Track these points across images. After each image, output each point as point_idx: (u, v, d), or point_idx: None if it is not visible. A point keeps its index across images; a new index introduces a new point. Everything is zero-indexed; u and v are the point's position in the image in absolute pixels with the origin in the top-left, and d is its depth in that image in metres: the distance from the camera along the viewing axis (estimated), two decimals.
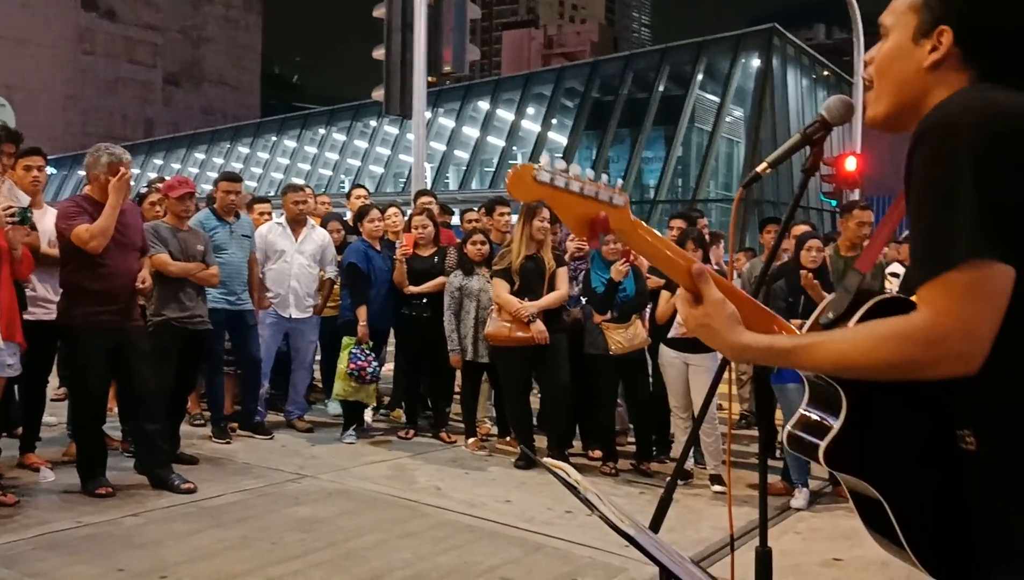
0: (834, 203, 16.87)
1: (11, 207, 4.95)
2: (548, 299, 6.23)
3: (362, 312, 6.84)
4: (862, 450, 1.47)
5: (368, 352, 6.81)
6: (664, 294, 6.04)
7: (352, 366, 6.72)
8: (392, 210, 7.60)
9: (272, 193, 29.24)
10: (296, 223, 7.35)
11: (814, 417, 1.56)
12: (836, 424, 1.47)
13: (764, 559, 2.59)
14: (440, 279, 6.88)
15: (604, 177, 1.54)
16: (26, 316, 5.27)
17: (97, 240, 5.13)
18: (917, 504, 1.44)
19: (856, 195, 15.93)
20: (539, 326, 6.13)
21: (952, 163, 1.26)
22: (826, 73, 35.80)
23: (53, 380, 6.08)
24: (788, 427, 1.60)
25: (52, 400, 6.53)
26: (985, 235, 1.24)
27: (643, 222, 1.56)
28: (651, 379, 6.40)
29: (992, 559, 1.35)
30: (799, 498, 5.50)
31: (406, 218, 7.67)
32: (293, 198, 7.38)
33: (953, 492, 1.41)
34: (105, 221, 5.15)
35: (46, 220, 5.53)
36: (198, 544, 4.51)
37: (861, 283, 1.59)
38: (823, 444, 1.48)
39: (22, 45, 61.30)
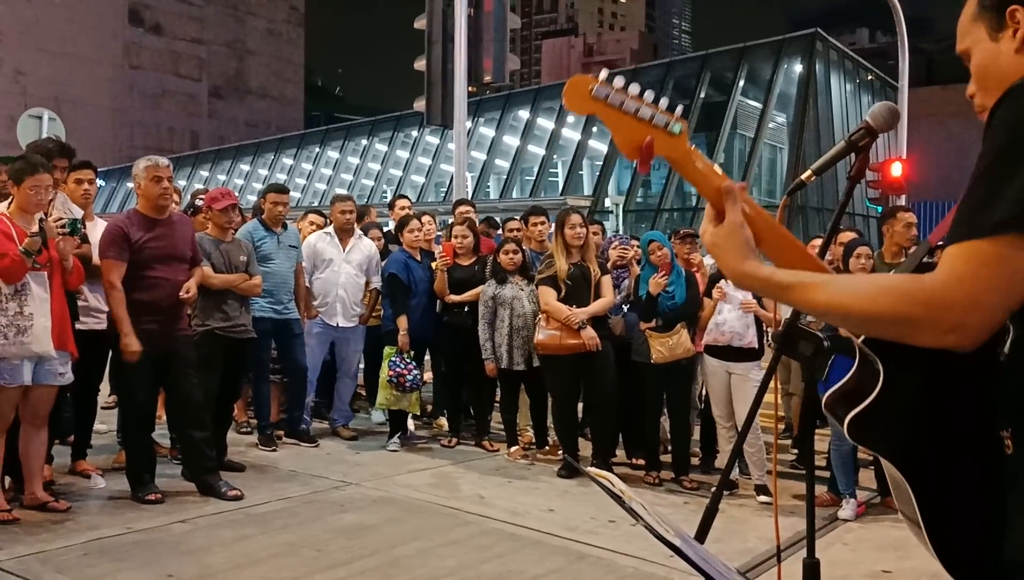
0: (879, 209, 16.67)
1: (61, 219, 5.07)
2: (597, 305, 6.23)
3: (402, 321, 6.89)
4: (891, 429, 1.44)
5: (408, 361, 6.85)
6: (708, 300, 6.01)
7: (392, 373, 6.77)
8: (426, 218, 7.64)
9: (316, 203, 29.52)
10: (344, 232, 7.42)
11: (853, 388, 1.53)
12: (868, 397, 1.45)
13: (812, 570, 2.56)
14: (480, 288, 6.91)
15: (664, 101, 1.48)
16: (78, 326, 5.38)
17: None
18: (945, 496, 1.40)
19: (902, 201, 15.74)
20: (590, 332, 6.14)
21: (1022, 129, 1.21)
22: (870, 77, 35.37)
23: (104, 388, 6.19)
24: (828, 393, 1.58)
25: (103, 408, 6.64)
26: None
27: (699, 151, 1.50)
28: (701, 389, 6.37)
29: (1017, 571, 1.29)
30: (846, 509, 5.42)
31: (445, 227, 7.72)
32: (341, 208, 7.45)
33: (987, 493, 1.36)
34: (113, 306, 5.30)
35: (96, 232, 5.63)
36: (245, 551, 4.56)
37: (926, 254, 1.56)
38: (850, 415, 1.46)
39: (71, 60, 62.62)
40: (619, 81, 1.45)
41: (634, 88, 1.47)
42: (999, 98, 1.27)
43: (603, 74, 1.46)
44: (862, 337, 1.47)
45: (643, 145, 1.47)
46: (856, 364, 1.55)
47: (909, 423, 1.44)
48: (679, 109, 1.49)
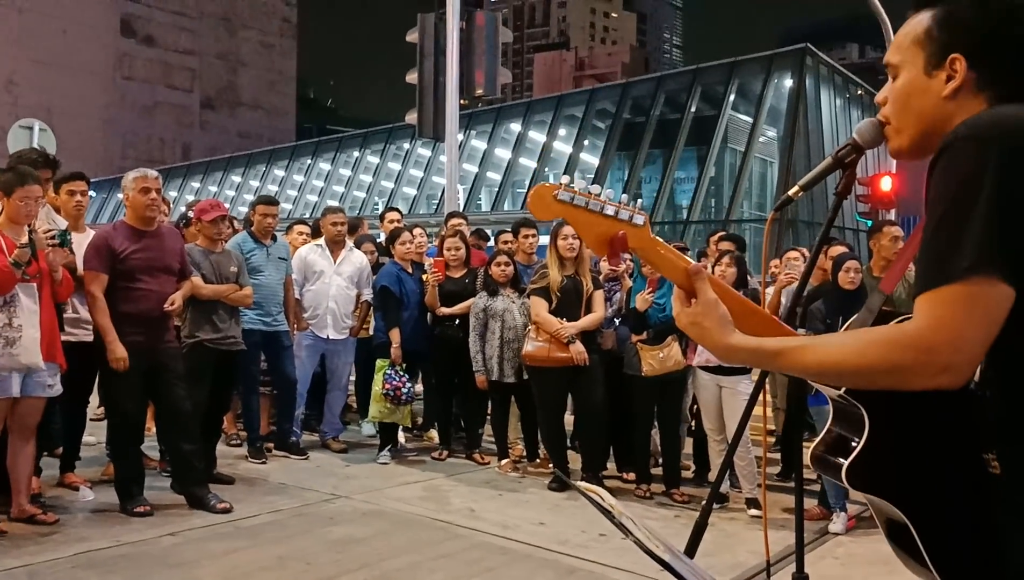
0: (869, 223, 16.74)
1: (51, 230, 5.05)
2: (587, 320, 6.23)
3: (395, 334, 6.89)
4: (885, 470, 1.46)
5: (402, 373, 6.85)
6: None
7: (387, 386, 6.76)
8: (417, 231, 7.64)
9: (307, 215, 29.48)
10: (335, 245, 7.42)
11: (837, 437, 1.55)
12: (858, 444, 1.47)
13: None
14: (471, 301, 6.90)
15: (624, 196, 1.57)
16: (67, 337, 5.36)
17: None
18: (943, 527, 1.43)
19: (892, 215, 15.81)
20: (578, 347, 6.13)
21: (972, 176, 1.26)
22: (860, 92, 35.57)
23: (94, 400, 6.16)
24: (812, 447, 1.60)
25: (92, 420, 6.61)
26: (991, 252, 1.23)
27: (661, 240, 1.58)
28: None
29: None
30: (837, 523, 5.42)
31: (436, 240, 7.72)
32: (332, 220, 7.45)
33: (980, 517, 1.40)
34: (97, 316, 5.29)
35: (87, 243, 5.62)
36: (234, 564, 4.54)
37: (884, 303, 1.60)
38: (846, 463, 1.48)
39: (62, 70, 62.50)
40: (580, 183, 1.54)
41: (595, 188, 1.56)
42: (937, 153, 1.33)
43: (564, 179, 1.54)
44: (843, 389, 1.50)
45: (614, 239, 1.55)
46: (832, 415, 1.58)
47: (899, 462, 1.46)
48: (639, 202, 1.60)
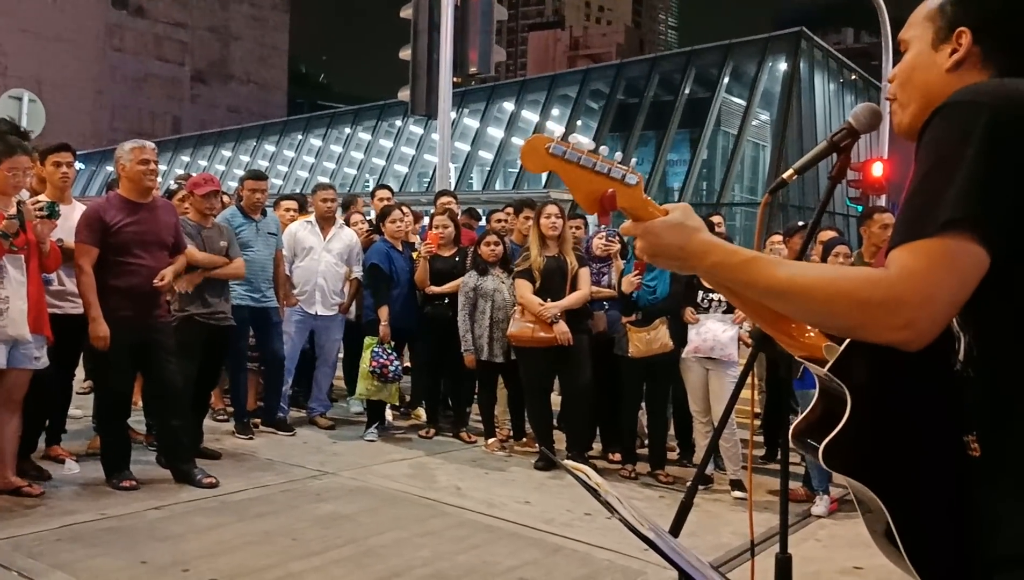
0: (860, 209, 16.77)
1: (39, 201, 5.02)
2: (570, 299, 6.23)
3: (384, 312, 6.88)
4: (863, 452, 1.45)
5: (390, 351, 6.85)
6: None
7: (374, 364, 6.76)
8: (405, 209, 7.62)
9: (298, 191, 29.31)
10: (325, 221, 7.40)
11: (819, 416, 1.55)
12: (838, 423, 1.46)
13: (784, 565, 2.59)
14: (461, 279, 6.89)
15: (618, 155, 1.53)
16: (54, 310, 5.33)
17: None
18: (918, 511, 1.42)
19: (883, 201, 15.83)
20: (562, 327, 6.14)
21: (961, 137, 1.26)
22: (854, 77, 35.53)
23: (79, 373, 6.14)
24: (794, 424, 1.60)
25: (78, 393, 6.60)
26: (972, 212, 1.22)
27: (653, 201, 1.54)
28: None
29: (994, 566, 1.32)
30: (820, 505, 5.46)
31: (424, 219, 7.70)
32: (322, 196, 7.43)
33: (956, 499, 1.39)
34: (83, 290, 5.23)
35: (74, 216, 5.57)
36: (220, 538, 4.54)
37: None
38: (823, 443, 1.47)
39: (52, 41, 61.94)
40: (574, 138, 1.51)
41: (589, 143, 1.52)
42: (928, 118, 1.33)
43: (558, 132, 1.52)
44: (828, 366, 1.49)
45: (604, 197, 1.51)
46: (818, 394, 1.57)
47: (879, 444, 1.46)
48: (632, 161, 1.54)
